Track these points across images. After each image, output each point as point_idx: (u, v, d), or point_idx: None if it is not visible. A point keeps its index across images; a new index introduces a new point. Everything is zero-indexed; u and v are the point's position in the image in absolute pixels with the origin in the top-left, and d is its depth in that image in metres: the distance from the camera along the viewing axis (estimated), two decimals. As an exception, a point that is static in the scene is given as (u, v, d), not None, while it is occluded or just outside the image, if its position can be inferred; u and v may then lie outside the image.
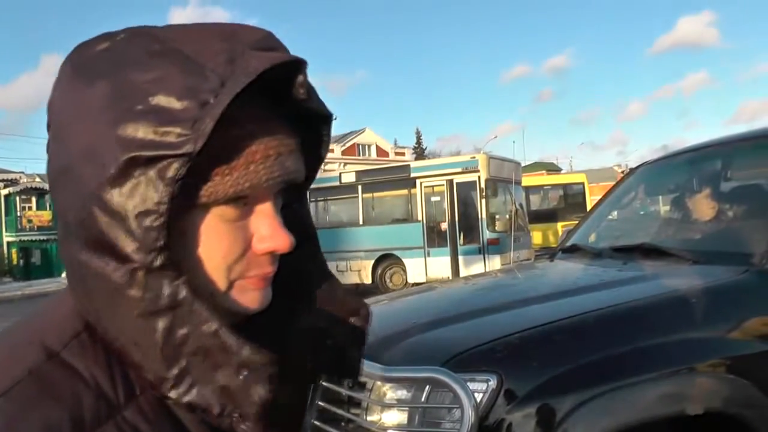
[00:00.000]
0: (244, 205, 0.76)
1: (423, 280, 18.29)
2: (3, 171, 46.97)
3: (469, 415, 2.51)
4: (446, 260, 18.84)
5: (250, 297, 0.79)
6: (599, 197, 5.88)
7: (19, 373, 0.70)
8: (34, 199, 46.04)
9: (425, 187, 19.52)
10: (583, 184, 27.71)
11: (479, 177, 18.59)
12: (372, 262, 19.69)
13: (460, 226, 19.01)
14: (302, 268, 0.91)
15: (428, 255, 19.15)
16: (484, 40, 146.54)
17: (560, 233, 19.54)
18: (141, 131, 0.66)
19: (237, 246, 0.77)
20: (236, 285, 0.78)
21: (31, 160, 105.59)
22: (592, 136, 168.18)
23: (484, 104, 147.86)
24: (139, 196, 0.67)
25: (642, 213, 5.83)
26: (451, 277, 17.81)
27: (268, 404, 0.74)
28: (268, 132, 0.75)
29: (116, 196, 0.67)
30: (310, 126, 0.84)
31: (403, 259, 19.30)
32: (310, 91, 0.79)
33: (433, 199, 19.49)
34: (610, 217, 5.23)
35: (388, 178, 20.23)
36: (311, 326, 0.91)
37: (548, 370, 2.70)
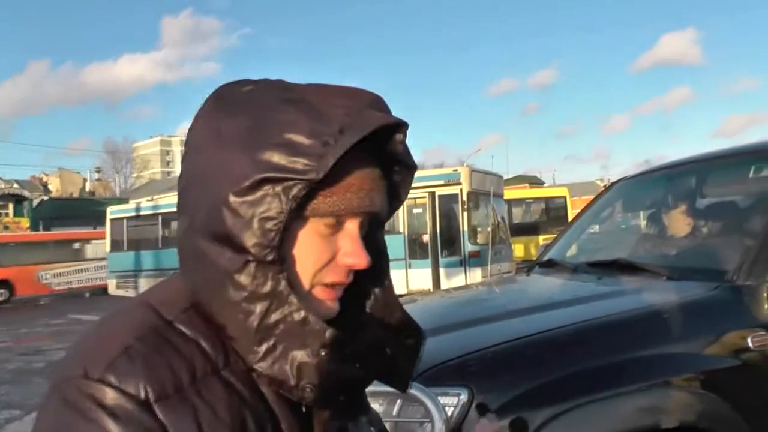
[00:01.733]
0: (337, 224, 0.95)
1: (404, 291, 18.24)
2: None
3: (440, 429, 2.51)
4: (427, 272, 18.83)
5: (323, 303, 0.97)
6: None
7: (144, 329, 0.90)
8: (11, 206, 45.50)
9: (408, 198, 19.48)
10: (565, 197, 27.80)
11: (461, 189, 18.61)
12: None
13: (441, 239, 19.02)
14: (369, 289, 1.06)
15: (409, 267, 19.12)
16: (472, 54, 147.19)
17: (537, 253, 19.56)
18: (276, 158, 0.86)
19: (325, 255, 0.95)
20: (315, 289, 0.96)
21: (8, 167, 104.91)
22: (576, 149, 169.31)
23: (470, 118, 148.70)
24: (266, 205, 0.87)
25: (621, 228, 5.87)
26: (431, 289, 17.79)
27: (338, 381, 0.94)
28: (365, 171, 0.95)
29: (245, 202, 0.87)
30: (398, 173, 1.03)
31: (385, 271, 19.24)
32: (406, 147, 0.99)
33: (415, 210, 19.49)
34: (589, 231, 5.25)
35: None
36: (374, 334, 1.03)
37: (521, 385, 2.70)
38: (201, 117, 0.96)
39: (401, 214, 19.40)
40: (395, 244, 19.18)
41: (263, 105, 0.92)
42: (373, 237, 1.04)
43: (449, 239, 18.99)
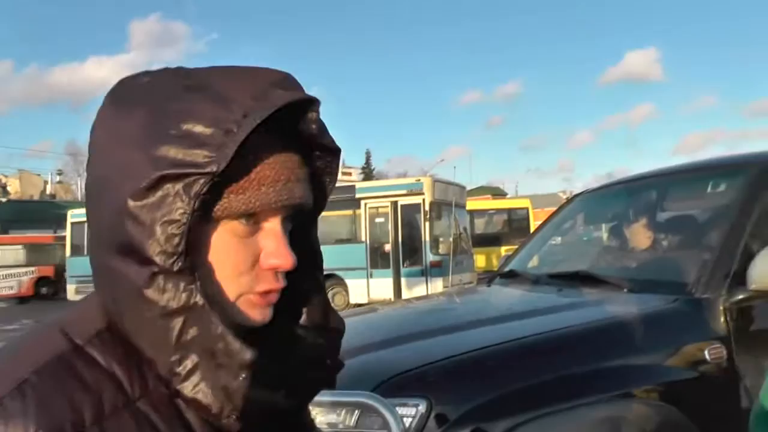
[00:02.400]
0: (254, 223, 0.86)
1: (365, 301, 18.24)
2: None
3: (398, 440, 2.48)
4: (389, 282, 18.84)
5: (253, 312, 0.88)
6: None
7: (48, 357, 0.79)
8: None
9: (370, 208, 19.53)
10: (527, 209, 28.02)
11: (424, 199, 18.68)
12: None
13: (403, 248, 19.06)
14: (300, 288, 0.97)
15: (371, 276, 19.13)
16: (439, 64, 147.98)
17: (498, 264, 19.76)
18: (172, 152, 0.78)
19: (246, 259, 0.86)
20: (243, 298, 0.87)
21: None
22: (540, 162, 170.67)
23: (435, 128, 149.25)
24: (166, 207, 0.77)
25: (583, 240, 5.91)
26: (393, 299, 17.79)
27: (265, 408, 0.87)
28: (281, 160, 0.86)
29: (145, 206, 0.78)
30: (320, 158, 0.95)
31: (346, 280, 19.22)
32: (321, 126, 0.90)
33: (378, 220, 19.51)
34: (551, 243, 5.27)
35: (334, 197, 19.50)
36: (313, 346, 0.98)
37: (480, 395, 2.69)
38: (100, 117, 0.87)
39: (363, 223, 19.42)
40: (357, 253, 19.20)
41: (161, 96, 0.83)
42: (304, 234, 0.98)
43: (411, 249, 19.04)
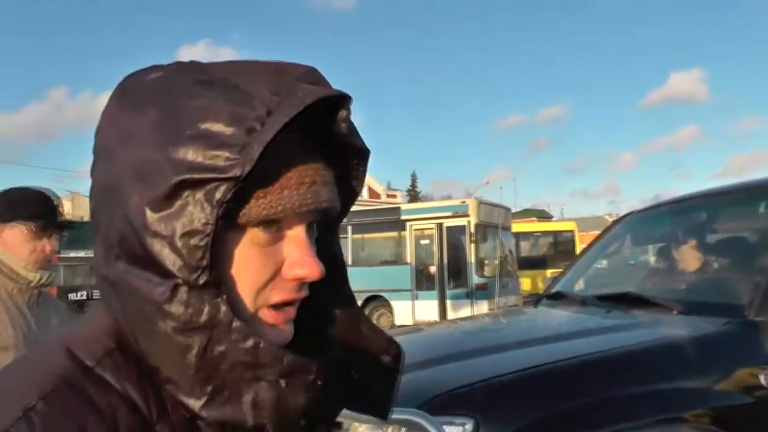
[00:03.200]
0: (277, 230, 0.78)
1: (410, 322, 18.18)
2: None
3: (444, 458, 2.48)
4: (434, 304, 18.78)
5: (272, 331, 0.79)
6: (588, 245, 5.88)
7: (55, 381, 0.72)
8: None
9: (415, 229, 19.51)
10: (573, 231, 27.75)
11: (469, 221, 18.60)
12: (359, 303, 19.46)
13: (448, 270, 18.98)
14: (323, 302, 0.90)
15: (416, 298, 19.07)
16: (483, 86, 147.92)
17: (544, 286, 19.57)
18: (191, 154, 0.70)
19: (266, 270, 0.77)
20: (260, 313, 0.79)
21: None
22: (585, 184, 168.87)
23: (479, 150, 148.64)
24: (187, 217, 0.70)
25: (630, 262, 5.84)
26: (438, 321, 17.74)
27: (304, 413, 0.77)
28: (304, 161, 0.77)
29: (164, 217, 0.70)
30: (348, 161, 0.86)
31: (391, 301, 19.18)
32: (351, 126, 0.82)
33: (423, 242, 19.48)
34: (596, 265, 5.22)
35: (379, 219, 20.18)
36: (337, 357, 0.88)
37: (526, 416, 2.68)
38: (106, 117, 0.79)
39: (408, 244, 19.41)
40: (402, 275, 19.17)
41: (174, 92, 0.74)
42: (325, 242, 0.89)
43: (456, 271, 18.95)
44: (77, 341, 0.78)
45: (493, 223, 19.41)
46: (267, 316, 0.79)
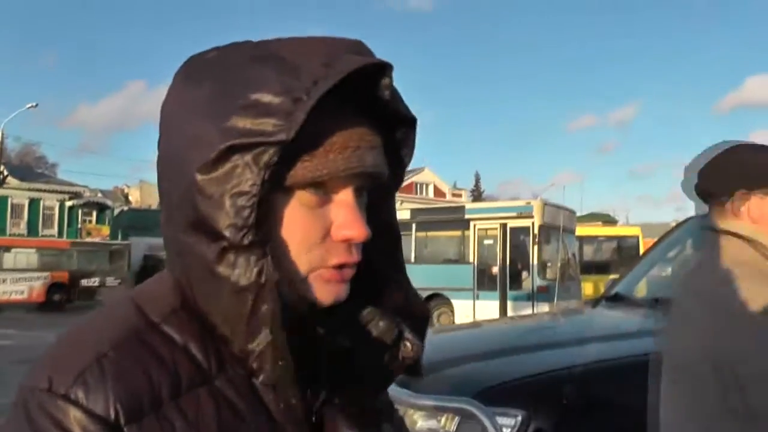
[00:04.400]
0: (325, 193, 0.81)
1: (470, 321, 18.16)
2: (68, 183, 48.68)
3: (496, 448, 2.55)
4: (495, 304, 18.67)
5: (326, 289, 0.83)
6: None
7: (125, 333, 0.79)
8: (95, 213, 48.42)
9: (479, 229, 19.43)
10: (637, 237, 27.23)
11: (533, 223, 18.44)
12: (421, 301, 19.43)
13: (510, 271, 18.86)
14: (378, 269, 0.93)
15: (477, 297, 18.97)
16: (552, 87, 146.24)
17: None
18: (240, 122, 0.75)
19: (315, 231, 0.81)
20: (315, 274, 0.82)
21: (96, 177, 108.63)
22: (652, 190, 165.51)
23: (546, 152, 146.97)
24: (236, 179, 0.74)
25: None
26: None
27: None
28: (350, 127, 0.80)
29: (213, 179, 0.75)
30: (396, 130, 0.89)
31: (452, 300, 19.08)
32: (394, 93, 0.84)
33: (486, 241, 19.38)
34: (657, 268, 5.21)
35: (443, 218, 20.23)
36: (389, 327, 0.92)
37: (578, 411, 2.73)
38: (169, 94, 0.85)
39: (472, 244, 19.36)
40: (464, 274, 19.09)
41: (228, 67, 0.80)
42: (379, 211, 0.92)
43: (518, 272, 18.82)
44: (146, 298, 0.85)
45: (557, 226, 19.21)
46: (323, 275, 0.82)
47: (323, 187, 0.81)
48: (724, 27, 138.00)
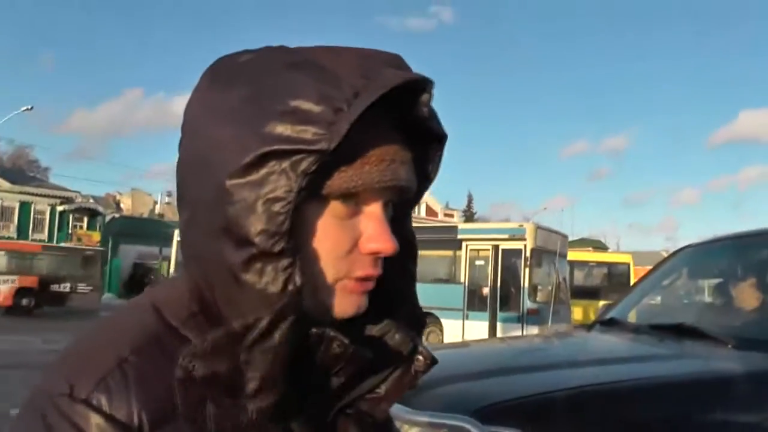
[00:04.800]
0: (356, 204, 0.81)
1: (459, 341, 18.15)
2: (60, 188, 48.63)
3: (491, 467, 2.55)
4: (484, 325, 18.69)
5: (349, 300, 0.82)
6: (644, 277, 5.87)
7: (146, 337, 0.79)
8: (86, 219, 48.05)
9: (471, 250, 19.50)
10: (628, 264, 27.36)
11: (525, 245, 18.54)
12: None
13: (501, 293, 18.91)
14: (392, 281, 0.91)
15: (467, 318, 19.00)
16: (547, 111, 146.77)
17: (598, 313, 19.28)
18: (280, 128, 0.73)
19: (344, 242, 0.80)
20: (340, 284, 0.81)
21: (89, 182, 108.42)
22: (643, 218, 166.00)
23: (538, 176, 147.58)
24: (271, 184, 0.73)
25: (686, 294, 5.81)
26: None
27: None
28: (386, 141, 0.80)
29: (248, 184, 0.74)
30: (425, 146, 0.89)
31: (442, 320, 19.10)
32: (432, 110, 0.84)
33: (478, 262, 19.44)
34: (651, 296, 5.22)
35: (435, 237, 20.17)
36: (403, 338, 0.90)
37: (572, 432, 2.73)
38: (196, 96, 0.84)
39: (463, 264, 19.39)
40: (455, 294, 19.13)
41: (264, 72, 0.79)
42: (400, 224, 0.91)
43: (509, 294, 18.88)
44: (165, 302, 0.84)
45: (549, 249, 19.29)
46: (347, 286, 0.82)
47: (354, 199, 0.80)
48: (722, 58, 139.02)
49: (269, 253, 0.73)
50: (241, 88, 0.78)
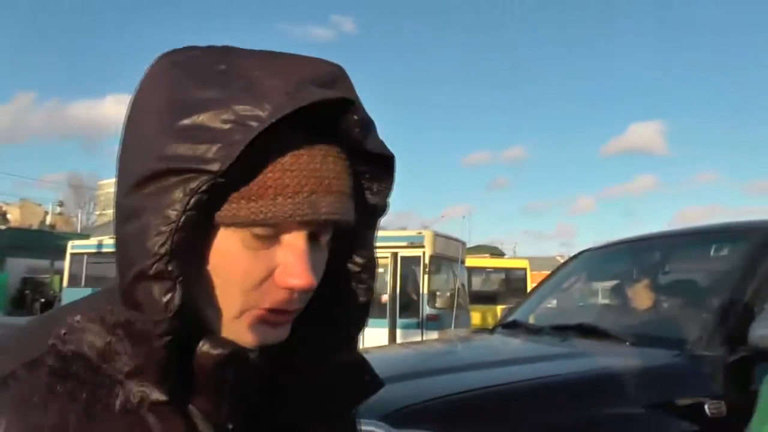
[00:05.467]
0: (274, 235, 0.74)
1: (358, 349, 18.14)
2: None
3: (403, 470, 2.55)
4: (384, 332, 18.70)
5: (260, 330, 0.77)
6: (541, 282, 6.01)
7: (42, 351, 0.73)
8: None
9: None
10: (525, 269, 27.92)
11: (424, 252, 18.68)
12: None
13: (400, 300, 18.99)
14: (341, 298, 0.89)
15: (366, 325, 19.02)
16: (446, 122, 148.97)
17: (499, 316, 19.60)
18: (181, 146, 0.69)
19: (256, 273, 0.75)
20: (248, 314, 0.76)
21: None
22: (540, 225, 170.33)
23: (437, 185, 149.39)
24: (162, 199, 0.69)
25: (580, 297, 5.98)
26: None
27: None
28: (308, 168, 0.73)
29: (142, 196, 0.70)
30: (368, 165, 0.83)
31: (341, 328, 19.07)
32: (366, 130, 0.78)
33: (377, 270, 19.50)
34: (551, 298, 5.35)
35: (334, 245, 20.10)
36: (348, 359, 0.90)
37: (484, 432, 2.76)
38: (138, 89, 0.79)
39: (363, 272, 19.40)
40: (354, 302, 19.09)
41: (190, 77, 0.74)
42: (354, 247, 0.89)
43: (408, 301, 18.97)
44: (79, 312, 0.78)
45: (447, 256, 19.53)
46: (257, 315, 0.77)
47: (273, 228, 0.74)
48: (612, 72, 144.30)
49: (146, 274, 0.69)
50: (163, 91, 0.74)
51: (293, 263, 0.74)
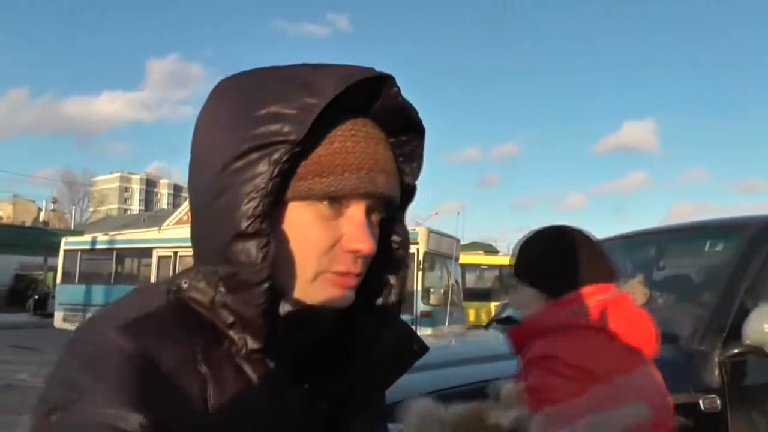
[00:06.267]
0: (339, 207, 0.91)
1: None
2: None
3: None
4: (378, 329, 18.71)
5: (331, 292, 0.93)
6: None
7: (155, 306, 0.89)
8: None
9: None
10: (519, 267, 27.88)
11: (418, 249, 18.64)
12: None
13: (395, 296, 18.97)
14: (383, 280, 1.04)
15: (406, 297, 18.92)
16: (440, 120, 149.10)
17: (493, 313, 19.59)
18: (260, 128, 0.85)
19: (326, 240, 0.91)
20: (321, 277, 0.92)
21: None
22: (532, 222, 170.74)
23: (430, 181, 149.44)
24: (249, 173, 0.85)
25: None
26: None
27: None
28: (366, 151, 0.91)
29: (231, 172, 0.86)
30: (407, 144, 1.01)
31: (335, 324, 19.03)
32: (405, 103, 0.96)
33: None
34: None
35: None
36: (392, 332, 1.05)
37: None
38: (202, 109, 0.97)
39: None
40: (347, 299, 19.05)
41: (252, 85, 0.91)
42: (389, 230, 1.02)
43: (403, 297, 18.95)
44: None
45: (441, 253, 19.50)
46: (328, 278, 0.92)
47: (338, 202, 0.91)
48: (606, 71, 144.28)
49: (244, 233, 0.84)
50: (231, 98, 0.92)
51: (357, 231, 0.91)
